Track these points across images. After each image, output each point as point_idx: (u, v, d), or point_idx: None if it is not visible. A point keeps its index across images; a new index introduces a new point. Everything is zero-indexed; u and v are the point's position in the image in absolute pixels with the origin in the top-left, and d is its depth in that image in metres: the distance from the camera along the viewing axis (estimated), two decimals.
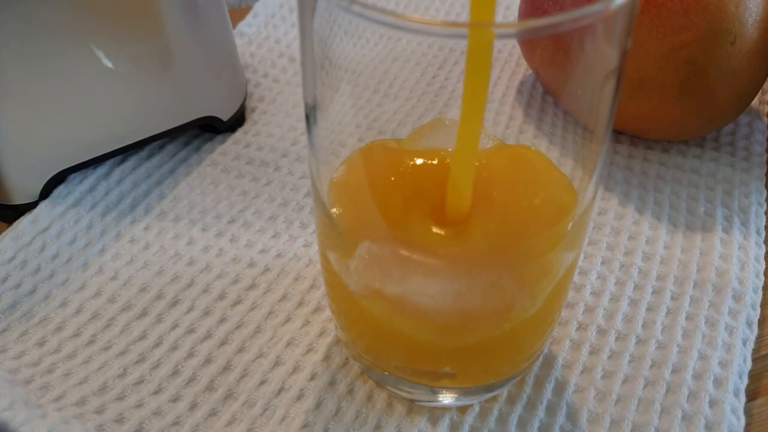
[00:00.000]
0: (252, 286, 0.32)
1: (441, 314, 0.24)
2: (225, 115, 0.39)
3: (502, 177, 0.25)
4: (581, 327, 0.31)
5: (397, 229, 0.24)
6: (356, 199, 0.25)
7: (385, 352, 0.27)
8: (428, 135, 0.26)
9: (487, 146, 0.26)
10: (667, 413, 0.28)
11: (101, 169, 0.37)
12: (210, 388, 0.29)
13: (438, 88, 0.39)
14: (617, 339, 0.30)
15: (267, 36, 0.46)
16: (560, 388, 0.29)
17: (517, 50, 0.43)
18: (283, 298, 0.32)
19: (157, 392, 0.28)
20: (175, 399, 0.28)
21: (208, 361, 0.29)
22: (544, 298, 0.26)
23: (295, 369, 0.29)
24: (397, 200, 0.24)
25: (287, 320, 0.31)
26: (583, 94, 0.24)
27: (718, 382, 0.29)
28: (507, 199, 0.25)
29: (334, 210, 0.25)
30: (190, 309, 0.31)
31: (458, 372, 0.26)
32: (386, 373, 0.27)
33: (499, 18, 0.48)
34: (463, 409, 0.28)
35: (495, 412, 0.28)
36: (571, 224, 0.24)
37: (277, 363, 0.29)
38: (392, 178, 0.25)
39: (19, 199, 0.35)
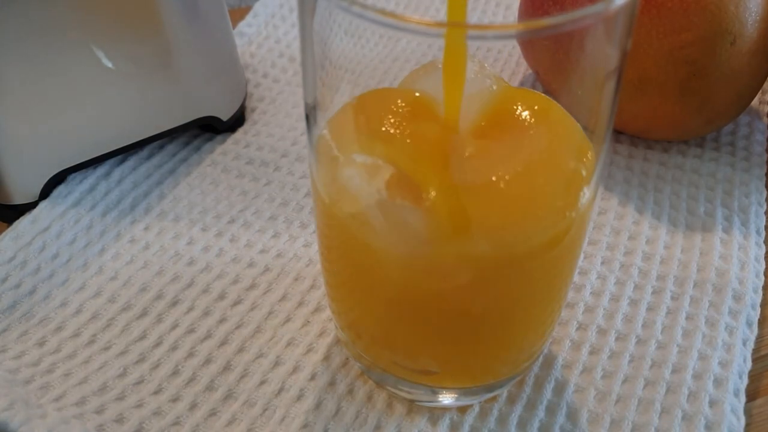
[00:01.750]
0: (252, 286, 0.32)
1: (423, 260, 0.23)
2: (225, 115, 0.39)
3: (507, 142, 0.24)
4: (581, 327, 0.31)
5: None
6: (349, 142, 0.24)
7: (366, 312, 0.27)
8: (422, 79, 0.25)
9: (489, 89, 0.25)
10: (667, 413, 0.28)
11: (101, 169, 0.37)
12: (210, 388, 0.29)
13: None
14: (617, 339, 0.30)
15: (267, 36, 0.46)
16: (560, 388, 0.29)
17: (517, 50, 0.43)
18: (283, 298, 0.32)
19: (157, 392, 0.28)
20: (175, 399, 0.28)
21: (208, 361, 0.29)
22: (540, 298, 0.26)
23: (295, 369, 0.29)
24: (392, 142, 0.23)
25: (287, 320, 0.31)
26: (583, 94, 0.24)
27: (718, 382, 0.29)
28: (511, 173, 0.23)
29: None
30: (190, 309, 0.31)
31: (443, 367, 0.26)
32: (386, 373, 0.27)
33: (499, 18, 0.48)
34: (463, 409, 0.28)
35: (495, 412, 0.28)
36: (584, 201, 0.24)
37: (277, 363, 0.29)
38: (385, 120, 0.24)
39: (19, 199, 0.35)
